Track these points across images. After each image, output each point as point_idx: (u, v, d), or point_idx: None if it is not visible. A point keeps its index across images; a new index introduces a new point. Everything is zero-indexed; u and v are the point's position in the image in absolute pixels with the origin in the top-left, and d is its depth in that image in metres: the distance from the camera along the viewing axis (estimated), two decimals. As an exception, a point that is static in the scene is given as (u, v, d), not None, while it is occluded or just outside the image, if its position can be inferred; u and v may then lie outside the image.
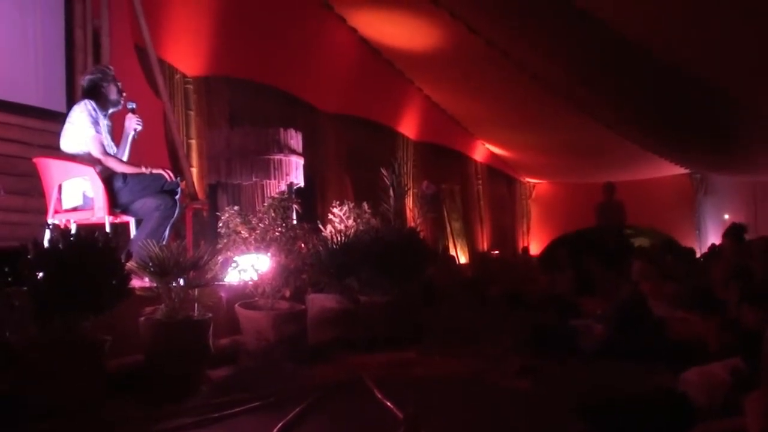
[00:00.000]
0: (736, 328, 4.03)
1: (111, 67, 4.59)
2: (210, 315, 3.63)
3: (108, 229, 4.05)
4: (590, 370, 4.48)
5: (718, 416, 3.06)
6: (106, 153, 4.23)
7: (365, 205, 5.77)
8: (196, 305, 3.59)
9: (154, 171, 4.24)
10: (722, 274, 5.50)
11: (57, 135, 4.32)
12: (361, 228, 5.56)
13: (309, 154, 7.06)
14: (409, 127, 11.72)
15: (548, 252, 14.00)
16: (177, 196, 4.27)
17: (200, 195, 6.45)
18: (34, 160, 4.33)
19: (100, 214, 4.11)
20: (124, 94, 4.47)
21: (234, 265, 4.57)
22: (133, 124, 4.54)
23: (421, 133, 12.05)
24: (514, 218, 16.66)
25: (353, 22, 8.70)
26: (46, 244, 3.10)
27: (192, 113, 7.02)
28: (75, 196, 4.24)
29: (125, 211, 4.27)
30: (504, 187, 16.30)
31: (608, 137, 10.76)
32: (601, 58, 7.23)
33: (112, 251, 3.10)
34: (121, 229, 4.51)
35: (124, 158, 4.46)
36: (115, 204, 4.17)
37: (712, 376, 3.35)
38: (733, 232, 7.06)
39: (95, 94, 4.34)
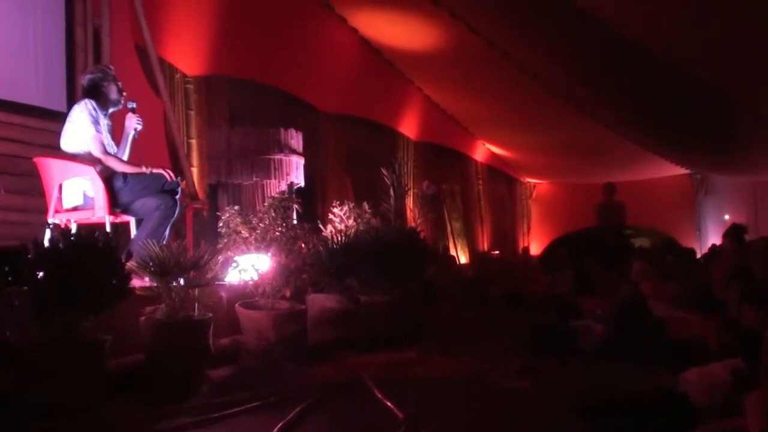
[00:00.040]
0: (737, 328, 4.03)
1: (111, 67, 4.59)
2: (210, 315, 3.63)
3: (108, 229, 4.05)
4: (590, 370, 4.48)
5: (718, 416, 3.06)
6: (106, 152, 4.23)
7: (365, 205, 5.78)
8: (196, 305, 3.59)
9: (155, 171, 4.24)
10: (722, 275, 5.49)
11: (57, 134, 4.32)
12: (361, 228, 5.56)
13: (309, 154, 7.06)
14: (409, 127, 11.72)
15: (548, 252, 13.99)
16: (177, 196, 4.28)
17: (201, 195, 6.45)
18: (35, 159, 4.33)
19: (101, 214, 4.11)
20: (125, 94, 4.47)
21: (234, 264, 4.57)
22: (133, 124, 4.54)
23: (422, 133, 12.05)
24: (515, 218, 16.66)
25: (353, 22, 8.70)
26: (46, 243, 3.10)
27: (192, 113, 7.01)
28: (75, 195, 4.24)
29: (125, 210, 4.27)
30: (504, 187, 16.30)
31: (608, 137, 10.76)
32: (601, 58, 7.23)
33: (112, 251, 3.11)
34: (121, 228, 4.51)
35: (125, 158, 4.46)
36: (115, 204, 4.17)
37: (713, 376, 3.35)
38: (733, 233, 7.06)
39: (95, 93, 4.34)
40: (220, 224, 4.71)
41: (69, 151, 4.25)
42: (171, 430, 2.93)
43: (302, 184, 6.69)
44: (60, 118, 4.52)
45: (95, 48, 5.43)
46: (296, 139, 6.60)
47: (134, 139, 4.57)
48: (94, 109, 4.23)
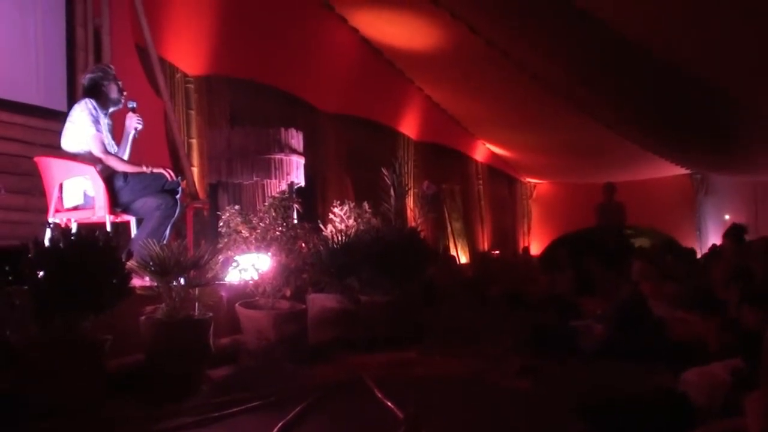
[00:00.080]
0: (736, 328, 4.03)
1: (112, 66, 4.59)
2: (210, 314, 3.63)
3: (109, 229, 4.05)
4: (590, 370, 4.48)
5: (718, 417, 3.07)
6: (107, 152, 4.23)
7: (366, 205, 5.78)
8: (196, 304, 3.60)
9: (155, 170, 4.25)
10: (722, 275, 5.49)
11: (58, 134, 4.32)
12: (361, 228, 5.57)
13: (310, 153, 7.06)
14: (409, 127, 11.73)
15: (549, 252, 14.00)
16: (178, 196, 4.28)
17: (201, 194, 6.46)
18: (35, 159, 4.33)
19: (101, 213, 4.11)
20: (125, 93, 4.47)
21: (235, 264, 4.57)
22: (133, 123, 4.54)
23: (422, 133, 12.05)
24: (515, 218, 16.66)
25: (354, 22, 8.70)
26: (46, 243, 3.10)
27: (193, 113, 7.02)
28: (76, 195, 4.24)
29: (126, 210, 4.27)
30: (505, 187, 16.30)
31: (608, 137, 10.76)
32: (601, 58, 7.23)
33: (112, 250, 3.11)
34: (121, 228, 4.52)
35: (125, 157, 4.46)
36: (115, 203, 4.17)
37: (713, 376, 3.35)
38: (733, 233, 7.06)
39: (96, 92, 4.35)
40: (221, 224, 4.71)
41: (70, 150, 4.25)
42: (171, 430, 2.93)
43: (302, 183, 6.69)
44: (61, 117, 4.52)
45: (96, 48, 5.44)
46: (297, 139, 6.60)
47: (134, 139, 4.58)
48: (95, 109, 4.23)
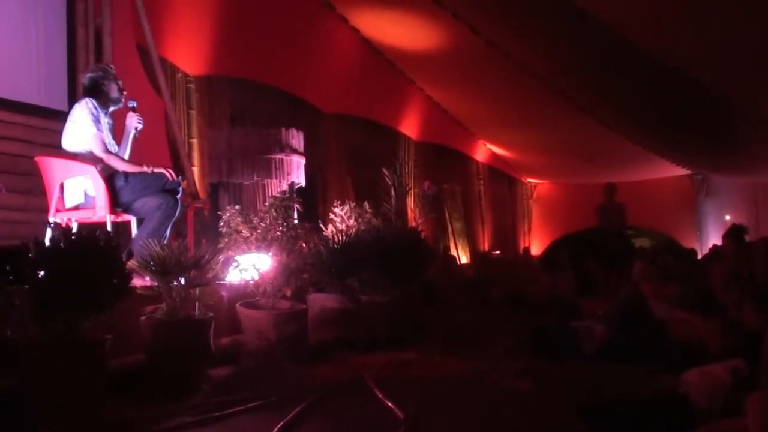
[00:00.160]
0: (737, 329, 4.03)
1: (112, 66, 4.60)
2: (211, 314, 3.64)
3: (109, 228, 4.05)
4: (591, 371, 4.47)
5: (719, 417, 3.06)
6: (107, 151, 4.23)
7: (366, 205, 5.78)
8: (197, 304, 3.60)
9: (156, 170, 4.25)
10: (722, 276, 5.49)
11: (59, 134, 4.32)
12: (362, 228, 5.56)
13: (310, 153, 7.06)
14: (410, 127, 11.73)
15: (549, 253, 13.98)
16: (178, 196, 4.28)
17: (202, 194, 6.46)
18: (36, 158, 4.34)
19: (102, 213, 4.11)
20: (125, 93, 4.47)
21: (235, 264, 4.57)
22: (134, 123, 4.55)
23: (423, 133, 12.05)
24: (516, 219, 16.66)
25: (355, 23, 8.71)
26: (47, 242, 3.10)
27: (193, 112, 7.02)
28: (76, 194, 4.24)
29: (127, 210, 4.27)
30: (505, 188, 16.30)
31: (609, 137, 10.76)
32: (601, 59, 7.23)
33: (113, 250, 3.10)
34: (122, 228, 4.51)
35: (125, 157, 4.46)
36: (116, 203, 4.17)
37: (713, 377, 3.35)
38: (733, 234, 7.06)
39: (96, 92, 4.35)
40: (221, 224, 4.71)
41: (70, 150, 4.25)
42: (171, 430, 2.93)
43: (303, 183, 6.69)
44: (62, 117, 4.52)
45: (96, 47, 5.44)
46: (297, 139, 6.60)
47: (135, 138, 4.58)
48: (95, 108, 4.23)
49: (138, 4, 5.71)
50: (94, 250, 3.02)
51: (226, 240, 4.60)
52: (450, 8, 7.31)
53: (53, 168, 4.26)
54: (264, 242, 4.57)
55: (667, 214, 14.89)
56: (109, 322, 3.09)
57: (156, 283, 3.60)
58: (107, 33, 5.48)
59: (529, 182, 17.01)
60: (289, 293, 4.59)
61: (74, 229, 3.92)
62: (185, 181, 5.37)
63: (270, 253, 4.54)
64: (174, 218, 4.23)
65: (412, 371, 4.29)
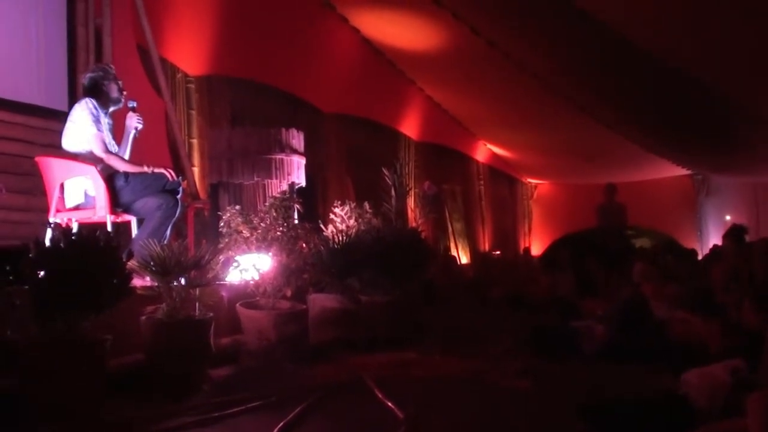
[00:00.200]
0: (737, 329, 4.03)
1: (112, 66, 4.60)
2: (211, 314, 3.64)
3: (109, 228, 4.05)
4: (591, 371, 4.47)
5: (719, 418, 3.06)
6: (108, 151, 4.23)
7: (367, 205, 5.78)
8: (197, 304, 3.60)
9: (156, 170, 4.25)
10: (722, 276, 5.49)
11: (59, 134, 4.32)
12: (362, 228, 5.56)
13: (310, 154, 7.06)
14: (410, 127, 11.73)
15: (550, 253, 13.99)
16: (179, 196, 4.28)
17: (202, 194, 6.46)
18: (36, 158, 4.34)
19: (102, 213, 4.11)
20: (125, 93, 4.47)
21: (235, 264, 4.57)
22: (134, 123, 4.55)
23: (423, 133, 12.05)
24: (516, 219, 16.65)
25: (355, 23, 8.71)
26: (47, 243, 3.11)
27: (194, 112, 7.02)
28: (77, 195, 4.25)
29: (127, 210, 4.27)
30: (505, 188, 16.30)
31: (609, 137, 10.76)
32: (601, 59, 7.23)
33: (113, 250, 3.11)
34: (122, 228, 4.51)
35: (126, 157, 4.46)
36: (116, 203, 4.17)
37: (713, 377, 3.35)
38: (733, 234, 7.06)
39: (96, 92, 4.35)
40: (222, 224, 4.71)
41: (71, 150, 4.25)
42: (171, 430, 2.93)
43: (303, 184, 6.69)
44: (62, 117, 4.52)
45: (97, 48, 5.44)
46: (297, 139, 6.60)
47: (135, 138, 4.58)
48: (95, 108, 4.23)
49: (138, 4, 5.71)
50: (94, 251, 3.02)
51: (227, 240, 4.60)
52: (450, 8, 7.31)
53: (53, 168, 4.26)
54: (264, 242, 4.57)
55: (667, 215, 14.89)
56: (109, 322, 3.09)
57: (156, 284, 3.60)
58: (107, 33, 5.49)
59: (530, 182, 17.01)
60: (289, 293, 4.59)
61: (74, 230, 3.91)
62: (185, 182, 5.37)
63: (270, 254, 4.54)
64: (174, 218, 4.24)
65: (412, 371, 4.29)
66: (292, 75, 8.43)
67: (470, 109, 11.79)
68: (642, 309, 5.23)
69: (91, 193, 4.20)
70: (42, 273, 2.94)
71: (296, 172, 6.51)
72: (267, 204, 4.89)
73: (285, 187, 6.20)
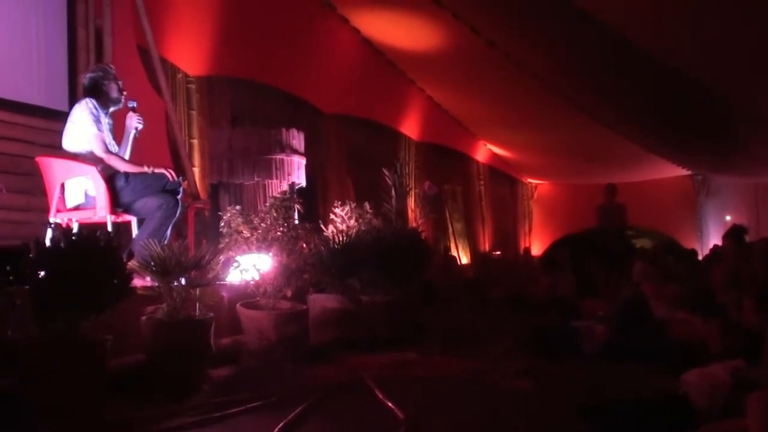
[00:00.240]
0: (737, 329, 4.03)
1: (112, 66, 4.60)
2: (211, 314, 3.64)
3: (110, 229, 4.05)
4: (591, 371, 4.48)
5: (719, 418, 3.06)
6: (108, 151, 4.24)
7: (367, 206, 5.78)
8: (197, 305, 3.60)
9: (157, 170, 4.25)
10: (722, 276, 5.49)
11: (60, 134, 4.33)
12: (362, 228, 5.56)
13: (311, 154, 7.06)
14: (411, 127, 11.73)
15: (550, 253, 13.99)
16: (179, 196, 4.28)
17: (202, 195, 6.46)
18: (36, 159, 4.34)
19: (102, 214, 4.11)
20: (125, 93, 4.48)
21: (236, 264, 4.57)
22: (134, 123, 4.55)
23: (423, 133, 12.06)
24: (516, 219, 16.66)
25: (356, 23, 8.71)
26: (47, 243, 3.11)
27: (194, 113, 7.02)
28: (77, 195, 4.25)
29: (127, 210, 4.27)
30: (506, 188, 16.30)
31: (609, 138, 10.76)
32: (601, 59, 7.23)
33: (113, 250, 3.11)
34: (123, 228, 4.51)
35: (126, 157, 4.46)
36: (117, 203, 4.17)
37: (713, 377, 3.35)
38: (733, 234, 7.06)
39: (96, 92, 4.35)
40: (222, 224, 4.71)
41: (71, 150, 4.25)
42: (171, 430, 2.93)
43: (304, 184, 6.69)
44: (62, 117, 4.52)
45: (97, 48, 5.44)
46: (298, 140, 6.60)
47: (135, 138, 4.59)
48: (95, 108, 4.23)
49: (138, 4, 5.71)
50: (94, 251, 3.02)
51: (227, 240, 4.60)
52: (450, 8, 7.31)
53: (54, 168, 4.26)
54: (264, 243, 4.57)
55: (667, 215, 14.89)
56: (109, 322, 3.09)
57: (156, 284, 3.60)
58: (108, 33, 5.49)
59: (530, 182, 17.01)
60: (289, 294, 4.59)
61: (75, 230, 3.91)
62: (186, 182, 5.37)
63: (270, 254, 4.54)
64: (174, 218, 4.24)
65: (413, 371, 4.29)
66: (293, 75, 8.43)
67: (470, 109, 11.79)
68: (642, 309, 5.24)
69: (92, 193, 4.20)
70: (42, 273, 2.94)
71: (296, 172, 6.51)
72: (267, 204, 4.89)
73: (285, 187, 6.20)
